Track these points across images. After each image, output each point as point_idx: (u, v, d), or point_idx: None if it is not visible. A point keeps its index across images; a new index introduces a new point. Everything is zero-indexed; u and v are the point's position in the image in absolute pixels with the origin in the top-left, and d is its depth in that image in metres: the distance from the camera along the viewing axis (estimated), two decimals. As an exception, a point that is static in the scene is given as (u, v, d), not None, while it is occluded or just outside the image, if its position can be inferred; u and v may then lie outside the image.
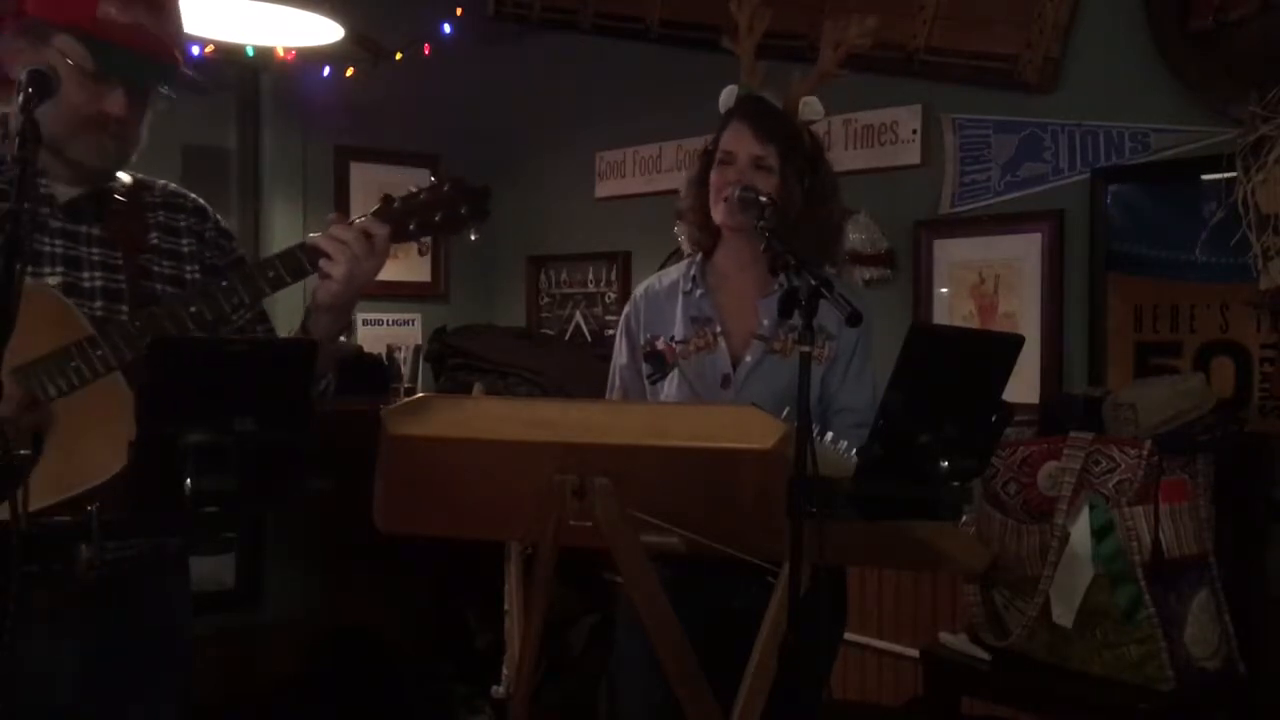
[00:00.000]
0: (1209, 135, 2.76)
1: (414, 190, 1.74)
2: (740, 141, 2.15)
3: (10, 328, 1.27)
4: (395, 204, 1.72)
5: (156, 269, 1.79)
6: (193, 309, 1.63)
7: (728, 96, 2.26)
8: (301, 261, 1.68)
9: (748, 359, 2.16)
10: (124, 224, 1.77)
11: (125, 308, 1.71)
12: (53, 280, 1.68)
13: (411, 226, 1.72)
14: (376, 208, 1.72)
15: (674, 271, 2.30)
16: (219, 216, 1.95)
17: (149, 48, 1.69)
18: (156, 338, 1.55)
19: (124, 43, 1.65)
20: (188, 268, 1.84)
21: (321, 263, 1.67)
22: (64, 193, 1.74)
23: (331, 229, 1.68)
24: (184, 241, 1.85)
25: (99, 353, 1.56)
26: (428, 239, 1.77)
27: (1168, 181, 2.87)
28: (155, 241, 1.81)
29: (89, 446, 1.56)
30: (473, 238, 1.76)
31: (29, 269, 1.63)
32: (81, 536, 1.64)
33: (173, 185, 1.92)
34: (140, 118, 1.75)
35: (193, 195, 1.93)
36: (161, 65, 1.72)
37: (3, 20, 1.71)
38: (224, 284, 1.67)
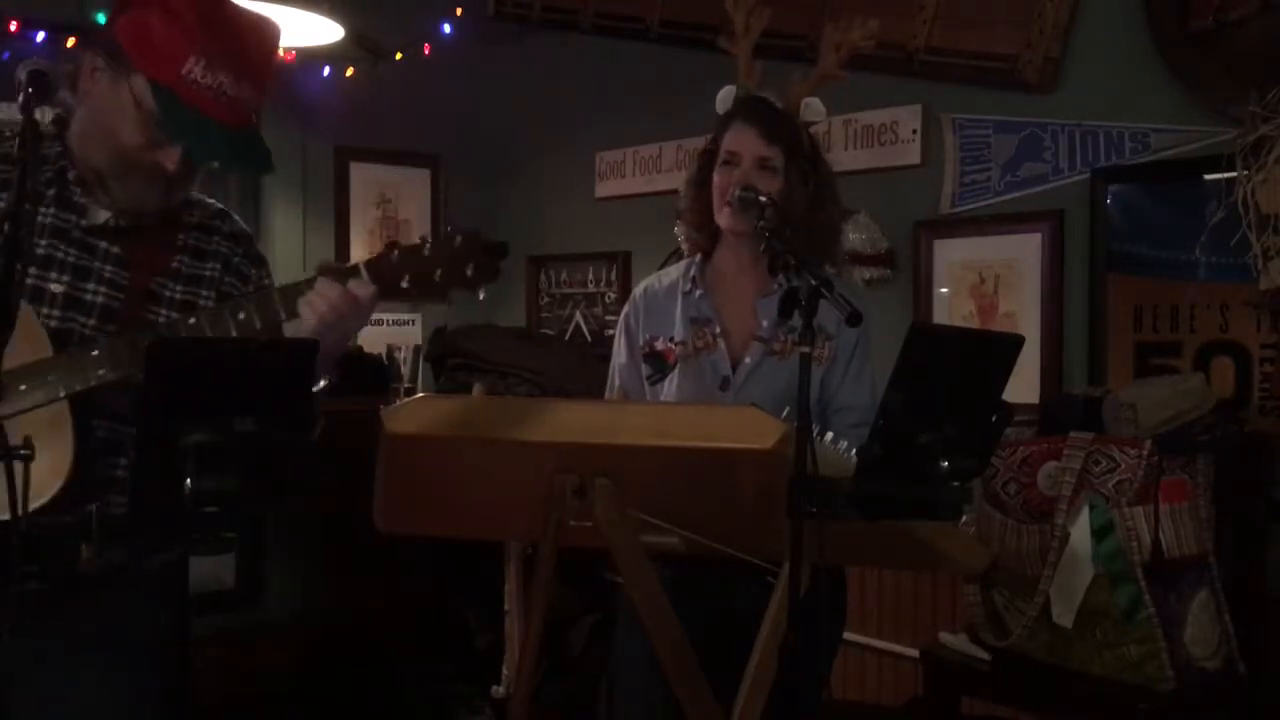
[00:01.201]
0: (1209, 135, 2.76)
1: (420, 242, 1.62)
2: (745, 142, 2.14)
3: (10, 327, 1.27)
4: (394, 256, 1.61)
5: (167, 293, 1.75)
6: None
7: (725, 97, 2.25)
8: (276, 310, 1.61)
9: (747, 360, 2.15)
10: (148, 245, 1.74)
11: (114, 327, 1.67)
12: (56, 288, 1.66)
13: (405, 284, 1.60)
14: (372, 257, 1.62)
15: (673, 272, 2.30)
16: (256, 247, 1.90)
17: (221, 113, 1.64)
18: (156, 338, 1.55)
19: (197, 104, 1.62)
20: (204, 293, 1.79)
21: (303, 311, 1.59)
22: (96, 213, 1.72)
23: (319, 286, 1.59)
24: (208, 266, 1.81)
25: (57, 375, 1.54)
26: (414, 301, 1.65)
27: (1168, 181, 2.87)
28: (176, 265, 1.77)
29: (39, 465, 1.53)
30: (480, 297, 1.64)
31: (34, 272, 1.64)
32: (81, 536, 1.64)
33: (219, 207, 1.88)
34: (192, 175, 1.73)
35: (235, 219, 1.89)
36: (229, 132, 1.66)
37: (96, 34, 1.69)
38: (191, 321, 1.62)
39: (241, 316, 1.60)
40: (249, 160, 1.76)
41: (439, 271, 1.59)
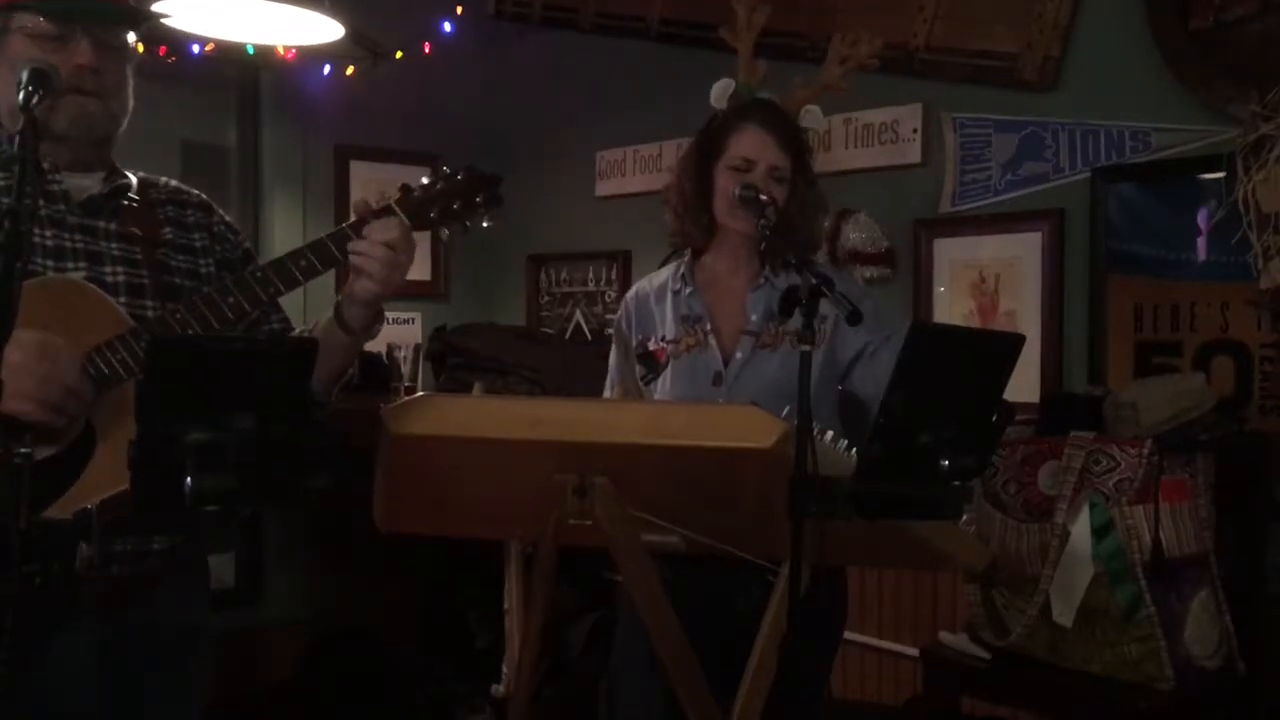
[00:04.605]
0: (1209, 135, 2.76)
1: (429, 181, 1.77)
2: (761, 150, 2.14)
3: (10, 325, 1.27)
4: (415, 193, 1.75)
5: (174, 263, 1.80)
6: (230, 300, 1.65)
7: (722, 91, 2.24)
8: (332, 251, 1.71)
9: (738, 355, 2.16)
10: (139, 220, 1.78)
11: (149, 302, 1.72)
12: (76, 276, 1.68)
13: (433, 215, 1.76)
14: (397, 196, 1.75)
15: (664, 273, 2.31)
16: (221, 210, 1.96)
17: None
18: (155, 337, 1.56)
19: None
20: (202, 262, 1.85)
21: (361, 263, 1.69)
22: (79, 188, 1.74)
23: (370, 233, 1.70)
24: (195, 236, 1.86)
25: (143, 345, 1.57)
26: (445, 230, 1.80)
27: (1168, 181, 2.87)
28: (170, 236, 1.82)
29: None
30: (485, 225, 1.79)
31: (50, 264, 1.66)
32: (81, 536, 1.64)
33: (174, 182, 1.92)
34: (118, 73, 1.76)
35: (195, 191, 1.94)
36: (119, 8, 1.75)
37: None
38: (258, 274, 1.69)
39: (303, 263, 1.69)
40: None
41: (456, 202, 1.76)
